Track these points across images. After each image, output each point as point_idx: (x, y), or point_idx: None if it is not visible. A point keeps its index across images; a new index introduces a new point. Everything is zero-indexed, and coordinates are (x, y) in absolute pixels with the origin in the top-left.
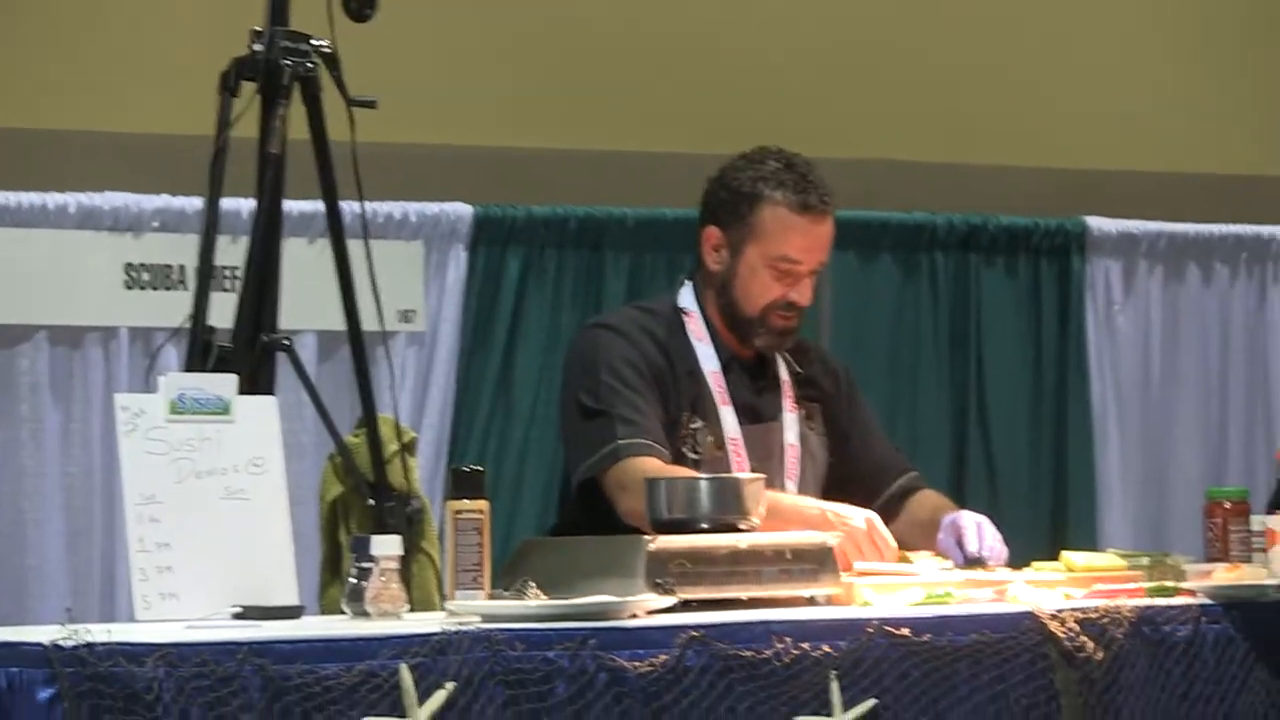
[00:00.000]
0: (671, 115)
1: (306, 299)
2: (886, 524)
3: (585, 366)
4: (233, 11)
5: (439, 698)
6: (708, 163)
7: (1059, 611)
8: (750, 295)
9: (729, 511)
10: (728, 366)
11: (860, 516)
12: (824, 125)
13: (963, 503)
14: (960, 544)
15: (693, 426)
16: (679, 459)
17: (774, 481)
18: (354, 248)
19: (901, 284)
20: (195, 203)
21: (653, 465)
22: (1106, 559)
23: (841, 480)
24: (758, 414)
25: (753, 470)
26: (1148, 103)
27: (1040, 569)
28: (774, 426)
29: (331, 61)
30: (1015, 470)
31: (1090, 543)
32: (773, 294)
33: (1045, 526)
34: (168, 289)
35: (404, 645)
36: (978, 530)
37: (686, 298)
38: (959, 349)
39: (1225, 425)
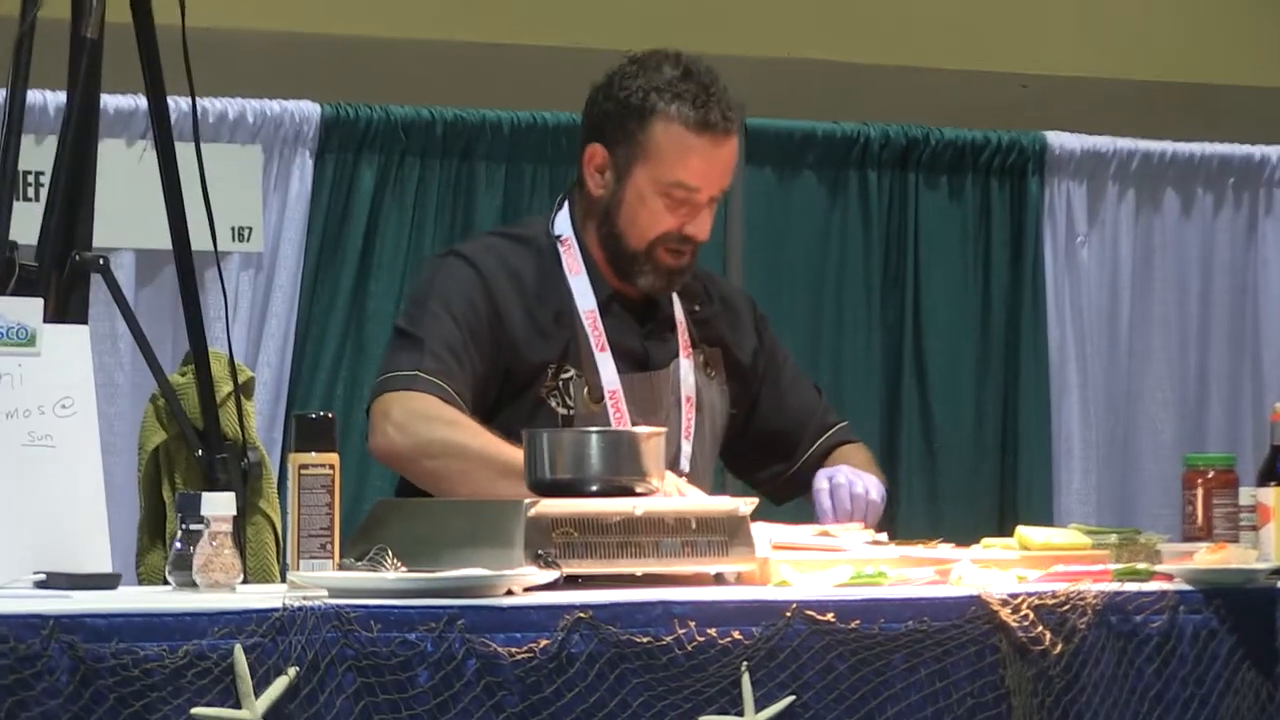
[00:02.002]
0: (557, 3)
1: (124, 212)
2: (806, 492)
3: (419, 292)
4: None
5: (279, 685)
6: (596, 59)
7: (1012, 597)
8: (637, 226)
9: (624, 471)
10: (607, 306)
11: None
12: (735, 18)
13: (895, 467)
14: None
15: (564, 376)
16: (544, 418)
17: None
18: (182, 152)
19: (827, 206)
20: None
21: (432, 404)
22: (1068, 536)
23: (751, 437)
24: (643, 361)
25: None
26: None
27: (990, 546)
28: (662, 375)
29: None
30: (958, 429)
31: (1045, 516)
32: (664, 225)
33: (993, 496)
34: None
35: (238, 623)
36: (848, 495)
37: (563, 223)
38: (894, 284)
39: (1206, 380)
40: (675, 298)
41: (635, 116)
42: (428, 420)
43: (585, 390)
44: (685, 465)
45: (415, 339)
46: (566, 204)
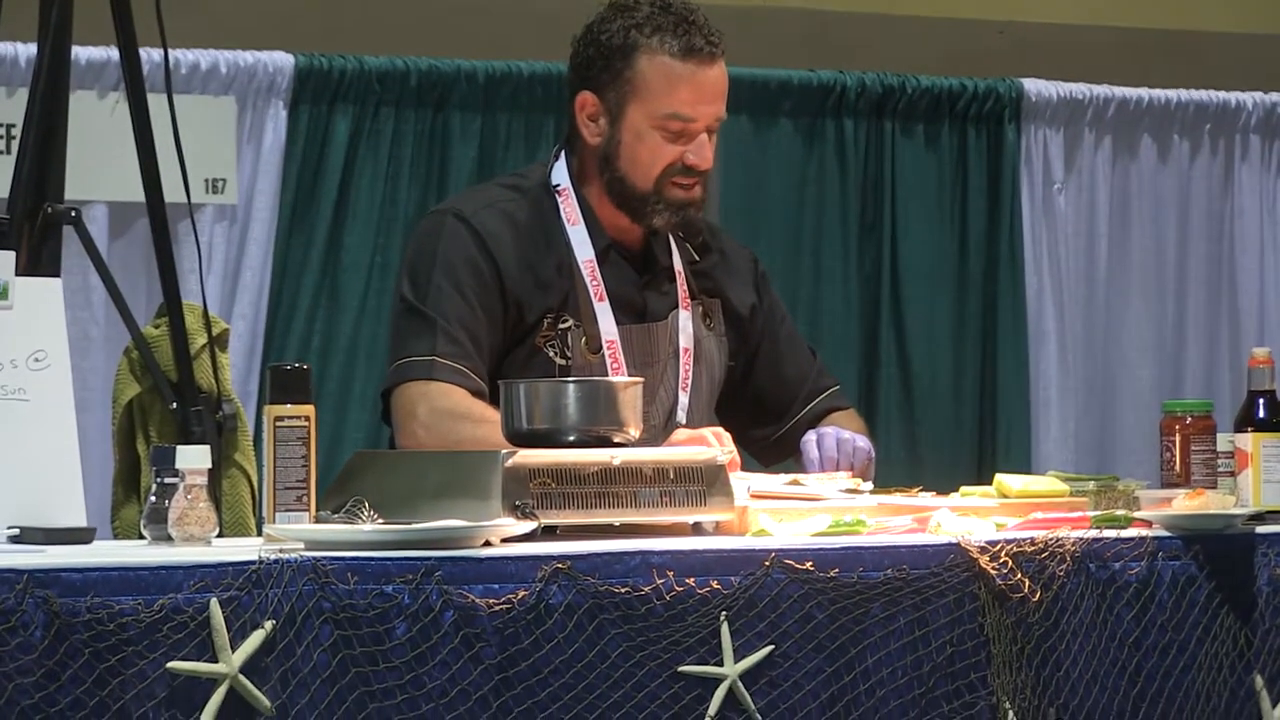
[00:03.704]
0: None
1: (97, 164)
2: (794, 453)
3: (422, 259)
4: None
5: (256, 638)
6: (571, 8)
7: (990, 544)
8: (639, 165)
9: (601, 421)
10: (604, 255)
11: None
12: None
13: (874, 417)
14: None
15: (562, 326)
16: (541, 367)
17: (658, 390)
18: (154, 103)
19: (803, 155)
20: None
21: (458, 399)
22: (1046, 483)
23: (743, 396)
24: (641, 311)
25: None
26: None
27: (968, 494)
28: (660, 327)
29: None
30: (936, 377)
31: (1024, 463)
32: (665, 159)
33: (971, 444)
34: None
35: (214, 576)
36: (835, 441)
37: (559, 173)
38: (870, 233)
39: (1183, 326)
40: (674, 248)
41: (619, 55)
42: (454, 418)
43: (583, 341)
44: (682, 417)
45: (427, 318)
46: (563, 155)
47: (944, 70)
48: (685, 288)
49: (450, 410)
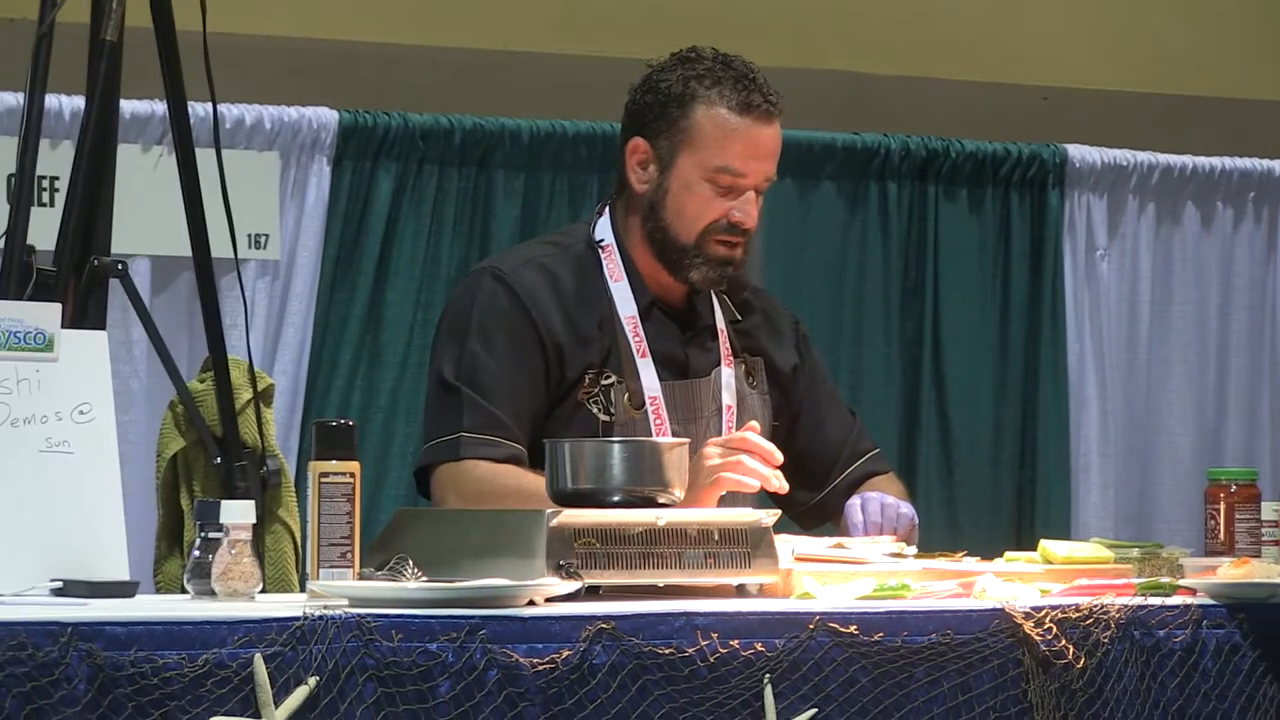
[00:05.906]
0: (577, 12)
1: (139, 217)
2: (834, 517)
3: (457, 325)
4: None
5: (299, 695)
6: (618, 68)
7: (1035, 610)
8: (685, 216)
9: (646, 482)
10: (647, 312)
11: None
12: (755, 27)
13: (914, 481)
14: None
15: (605, 382)
16: (584, 423)
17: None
18: (200, 158)
19: (846, 218)
20: (11, 99)
21: (484, 475)
22: (1091, 550)
23: (785, 458)
24: (684, 368)
25: (675, 434)
26: (1142, 12)
27: (1013, 559)
28: (703, 383)
29: None
30: (977, 442)
31: (1063, 530)
32: (712, 213)
33: (1010, 510)
34: None
35: (258, 632)
36: (879, 506)
37: (603, 228)
38: (913, 297)
39: (1224, 394)
40: (716, 307)
41: (676, 104)
42: (480, 500)
43: (626, 396)
44: None
45: (456, 391)
46: (607, 211)
47: (988, 135)
48: (728, 345)
49: (474, 491)
